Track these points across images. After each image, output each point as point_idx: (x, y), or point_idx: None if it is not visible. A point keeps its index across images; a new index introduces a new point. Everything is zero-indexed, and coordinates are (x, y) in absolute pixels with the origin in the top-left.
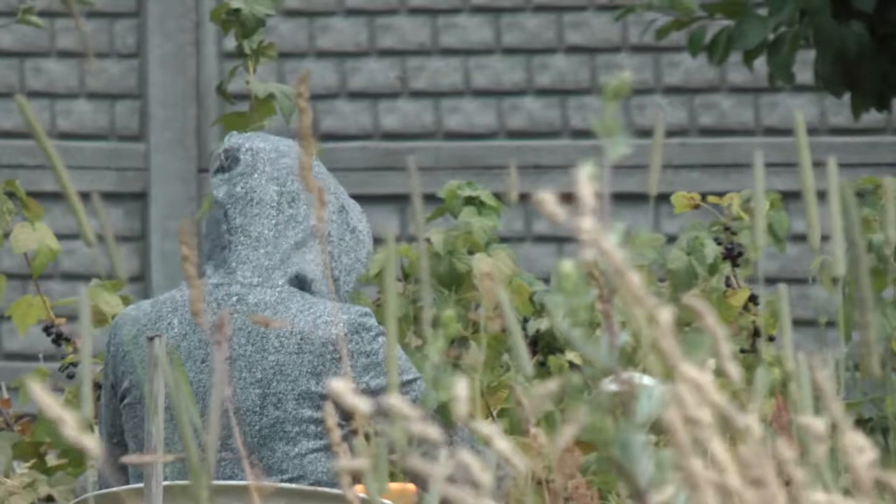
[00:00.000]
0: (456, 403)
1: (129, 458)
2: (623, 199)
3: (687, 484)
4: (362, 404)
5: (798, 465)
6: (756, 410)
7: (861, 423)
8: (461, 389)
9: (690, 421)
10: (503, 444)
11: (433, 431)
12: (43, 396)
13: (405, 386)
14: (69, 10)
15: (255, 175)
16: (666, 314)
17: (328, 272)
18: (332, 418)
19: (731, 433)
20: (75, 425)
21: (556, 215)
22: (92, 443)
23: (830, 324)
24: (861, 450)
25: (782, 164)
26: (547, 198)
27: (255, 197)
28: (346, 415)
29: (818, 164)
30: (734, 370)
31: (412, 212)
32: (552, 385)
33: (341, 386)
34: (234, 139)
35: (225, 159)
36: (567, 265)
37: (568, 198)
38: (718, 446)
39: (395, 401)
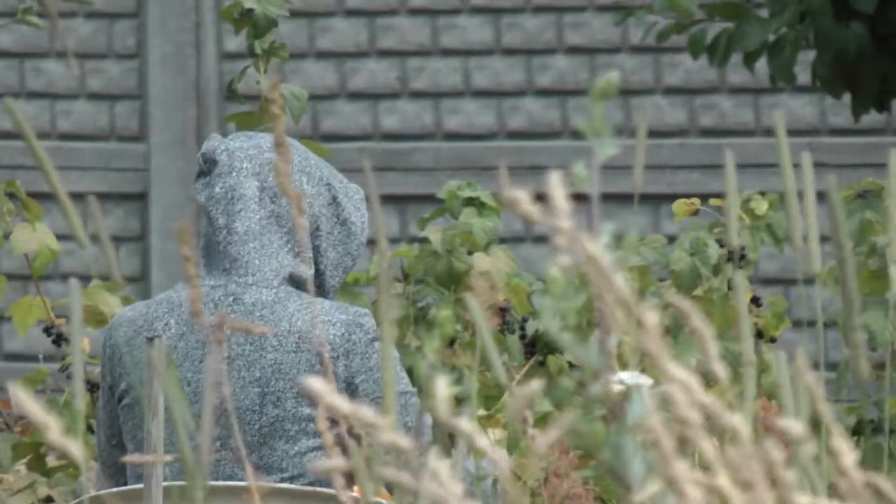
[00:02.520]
0: (438, 404)
1: (129, 459)
2: (623, 200)
3: (671, 487)
4: (343, 404)
5: (786, 467)
6: (746, 411)
7: (862, 425)
8: (442, 389)
9: (680, 421)
10: (484, 441)
11: (403, 441)
12: (27, 402)
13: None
14: (50, 12)
15: (234, 174)
16: (653, 316)
17: (313, 266)
18: (323, 420)
19: (720, 434)
20: (60, 431)
21: (530, 214)
22: (76, 448)
23: (828, 325)
24: (844, 453)
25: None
26: (521, 196)
27: (236, 194)
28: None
29: (818, 165)
30: (721, 371)
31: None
32: (537, 384)
33: (320, 386)
34: (210, 143)
35: (203, 163)
36: (555, 269)
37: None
38: (707, 447)
39: (364, 410)
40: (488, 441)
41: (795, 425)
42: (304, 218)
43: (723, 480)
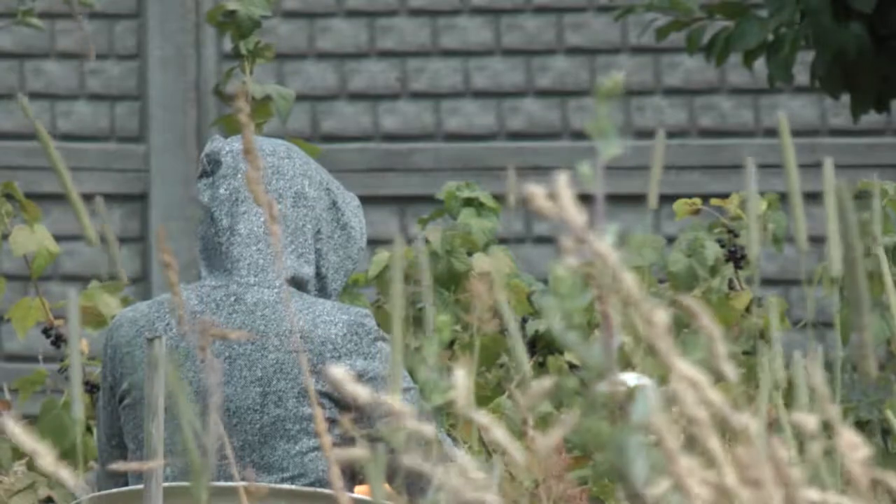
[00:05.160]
0: (456, 393)
1: (120, 466)
2: (623, 201)
3: (676, 486)
4: (362, 392)
5: (794, 464)
6: (757, 411)
7: (860, 425)
8: (461, 379)
9: (688, 419)
10: (501, 434)
11: (429, 430)
12: (17, 432)
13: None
14: (70, 9)
15: (239, 176)
16: (661, 314)
17: (314, 269)
18: (322, 421)
19: (728, 433)
20: (52, 459)
21: (546, 210)
22: (68, 474)
23: (828, 325)
24: (855, 447)
25: (782, 165)
26: (538, 192)
27: (240, 196)
28: (343, 410)
29: (817, 166)
30: (730, 369)
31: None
32: (547, 382)
33: (340, 373)
34: (215, 143)
35: (207, 164)
36: (560, 268)
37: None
38: (715, 445)
39: (393, 400)
40: (503, 434)
41: (809, 420)
42: (279, 225)
43: (730, 478)
